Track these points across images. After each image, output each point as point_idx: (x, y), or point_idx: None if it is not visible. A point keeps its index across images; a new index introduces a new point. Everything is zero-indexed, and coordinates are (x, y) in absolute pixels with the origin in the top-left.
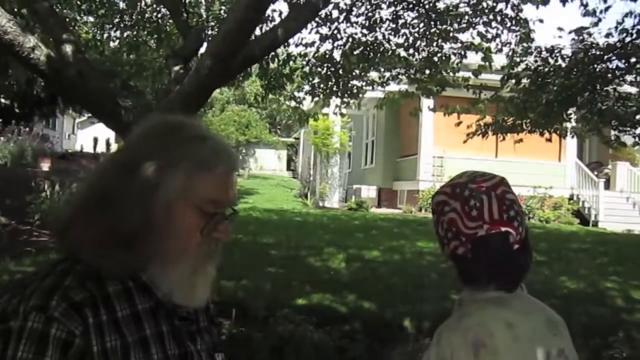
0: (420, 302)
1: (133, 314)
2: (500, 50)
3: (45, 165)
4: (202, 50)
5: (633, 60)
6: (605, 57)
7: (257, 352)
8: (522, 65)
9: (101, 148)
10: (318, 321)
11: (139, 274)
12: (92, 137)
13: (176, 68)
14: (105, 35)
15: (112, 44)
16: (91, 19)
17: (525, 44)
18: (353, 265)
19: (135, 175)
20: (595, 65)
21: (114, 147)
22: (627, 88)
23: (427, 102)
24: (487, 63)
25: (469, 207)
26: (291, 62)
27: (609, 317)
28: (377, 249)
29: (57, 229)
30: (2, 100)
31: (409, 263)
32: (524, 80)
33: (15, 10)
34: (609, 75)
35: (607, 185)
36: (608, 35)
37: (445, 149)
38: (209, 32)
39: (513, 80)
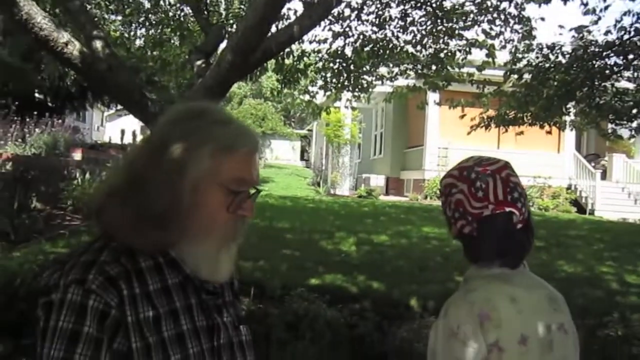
0: (426, 283)
1: (164, 287)
2: (504, 47)
3: (77, 155)
4: (222, 46)
5: (631, 57)
6: (604, 53)
7: (274, 327)
8: (524, 62)
9: (128, 139)
10: (330, 300)
11: (168, 250)
12: (119, 129)
13: (198, 63)
14: (132, 33)
15: (137, 42)
16: (119, 17)
17: (527, 41)
18: (363, 249)
19: (163, 158)
20: (594, 62)
21: (139, 138)
22: (624, 84)
23: (433, 96)
24: (490, 59)
25: (475, 188)
26: (305, 58)
27: (604, 299)
28: (385, 234)
29: (92, 211)
30: (37, 95)
31: (415, 247)
32: (526, 76)
33: (48, 9)
34: (607, 71)
35: (604, 176)
36: (607, 32)
37: (450, 140)
38: (229, 29)
39: (515, 76)
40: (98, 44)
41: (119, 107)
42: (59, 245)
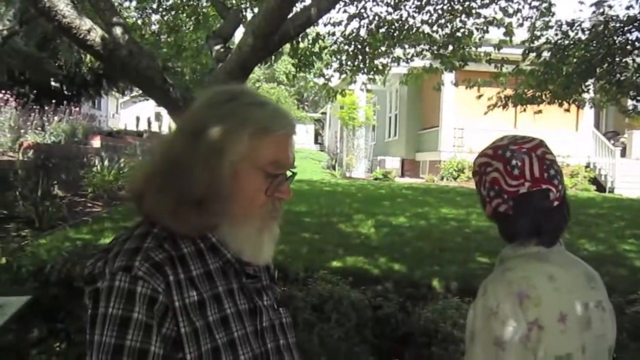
0: (447, 264)
1: (206, 272)
2: (521, 25)
3: (96, 142)
4: (239, 30)
5: None
6: (625, 29)
7: (300, 310)
8: (543, 39)
9: (143, 126)
10: (353, 282)
11: (209, 235)
12: (135, 116)
13: (217, 47)
14: (146, 19)
15: (151, 28)
16: (133, 3)
17: (545, 18)
18: (381, 231)
19: (201, 142)
20: (615, 37)
21: (154, 125)
22: None
23: (449, 77)
24: (508, 38)
25: (511, 166)
26: (320, 41)
27: (628, 277)
28: (404, 216)
29: (133, 197)
30: (52, 83)
31: (434, 228)
32: (545, 54)
33: None
34: (629, 46)
35: (623, 153)
36: (629, 7)
37: (466, 121)
38: (245, 13)
39: (534, 54)
40: (118, 31)
41: (134, 93)
42: (83, 231)
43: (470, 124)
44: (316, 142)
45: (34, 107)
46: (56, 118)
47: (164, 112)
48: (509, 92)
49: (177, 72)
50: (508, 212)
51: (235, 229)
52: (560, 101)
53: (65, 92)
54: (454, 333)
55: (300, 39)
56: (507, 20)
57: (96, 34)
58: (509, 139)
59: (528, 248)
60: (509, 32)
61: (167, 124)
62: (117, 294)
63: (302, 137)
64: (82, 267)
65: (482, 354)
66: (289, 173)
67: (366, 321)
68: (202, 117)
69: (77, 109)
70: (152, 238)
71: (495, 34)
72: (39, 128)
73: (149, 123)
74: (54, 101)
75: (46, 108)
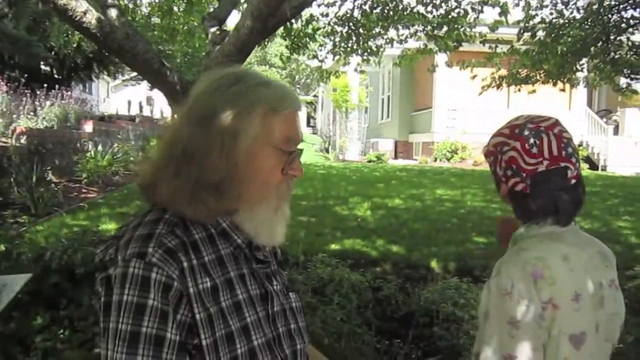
0: (444, 245)
1: (217, 257)
2: (517, 5)
3: (88, 127)
4: (234, 13)
5: None
6: (621, 6)
7: (301, 292)
8: (537, 19)
9: (134, 110)
10: (352, 264)
11: (220, 220)
12: (126, 100)
13: (213, 30)
14: (137, 2)
15: (141, 11)
16: None
17: None
18: (378, 213)
19: (214, 126)
20: (610, 15)
21: (146, 109)
22: (639, 37)
23: (442, 58)
24: (504, 18)
25: (529, 144)
26: (314, 22)
27: (624, 253)
28: (399, 197)
29: (144, 185)
30: (42, 67)
31: (429, 209)
32: (540, 33)
33: None
34: (623, 24)
35: (616, 131)
36: None
37: (459, 101)
38: None
39: (529, 33)
40: (113, 13)
41: (125, 77)
42: (80, 217)
43: (463, 104)
44: (308, 125)
45: (25, 91)
46: (48, 102)
47: (155, 96)
48: (503, 72)
49: (168, 55)
50: (525, 191)
51: (253, 211)
52: (554, 80)
53: (56, 76)
54: (455, 312)
55: (293, 20)
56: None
57: (92, 16)
58: (525, 118)
59: (543, 228)
60: (504, 12)
61: (159, 108)
62: (131, 281)
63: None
64: (82, 254)
65: (496, 333)
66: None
67: (367, 303)
68: (211, 101)
69: (69, 93)
70: (164, 224)
71: (490, 14)
72: (31, 113)
73: (141, 107)
74: (45, 85)
75: (37, 92)
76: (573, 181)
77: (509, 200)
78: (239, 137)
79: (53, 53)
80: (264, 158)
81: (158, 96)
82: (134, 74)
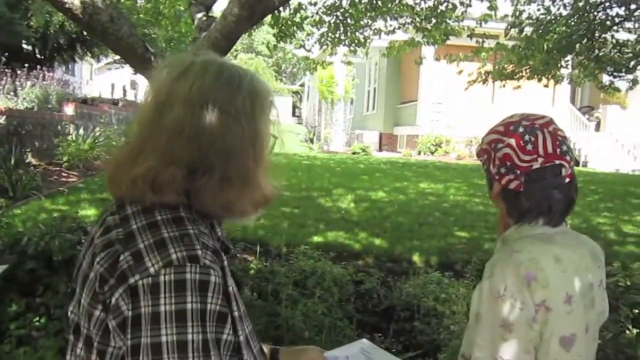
0: (427, 239)
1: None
2: (512, 2)
3: (70, 110)
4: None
5: (633, 7)
6: (606, 4)
7: (282, 285)
8: (525, 14)
9: (118, 94)
10: (334, 257)
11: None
12: (110, 83)
13: (199, 16)
14: None
15: None
16: None
17: None
18: (361, 206)
19: (242, 126)
20: (596, 13)
21: (130, 93)
22: (623, 35)
23: (429, 51)
24: (492, 12)
25: (524, 141)
26: (302, 11)
27: (603, 249)
28: (383, 190)
29: (146, 183)
30: (24, 46)
31: (413, 203)
32: (527, 29)
33: None
34: (608, 22)
35: (598, 128)
36: None
37: (444, 95)
38: None
39: (516, 29)
40: None
41: (109, 60)
42: (59, 202)
43: (448, 98)
44: (294, 114)
45: (5, 70)
46: (29, 83)
47: (140, 80)
48: (489, 67)
49: (153, 39)
50: (519, 188)
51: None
52: (539, 76)
53: (38, 56)
54: (436, 307)
55: (281, 9)
56: None
57: None
58: (520, 116)
59: (534, 229)
60: (493, 7)
61: (143, 93)
62: (191, 287)
63: (280, 109)
64: (61, 240)
65: (488, 335)
66: None
67: (348, 296)
68: (230, 99)
69: (51, 74)
70: (189, 222)
71: (478, 8)
72: (11, 93)
73: (125, 91)
74: (26, 65)
75: (18, 72)
76: (567, 180)
77: (500, 200)
78: (262, 139)
79: (36, 32)
80: (266, 149)
81: (142, 80)
82: (118, 57)
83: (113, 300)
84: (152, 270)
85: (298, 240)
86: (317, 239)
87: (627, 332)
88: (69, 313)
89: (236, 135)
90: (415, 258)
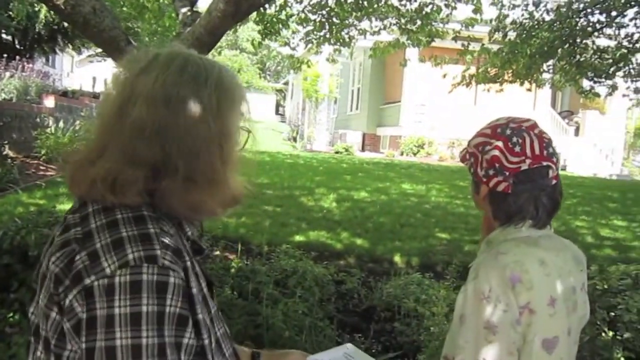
0: (408, 239)
1: (186, 252)
2: (493, 4)
3: (49, 102)
4: None
5: (614, 14)
6: (588, 10)
7: (263, 284)
8: (509, 19)
9: (99, 87)
10: (316, 256)
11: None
12: (91, 76)
13: (184, 10)
14: None
15: None
16: None
17: None
18: (343, 205)
19: (211, 122)
20: (578, 19)
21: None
22: (604, 42)
23: (413, 53)
24: (477, 15)
25: (512, 143)
26: (287, 8)
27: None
28: (365, 190)
29: (102, 180)
30: (4, 36)
31: (395, 203)
32: (511, 33)
33: None
34: (589, 28)
35: (577, 133)
36: None
37: (427, 96)
38: None
39: (500, 33)
40: None
41: (90, 52)
42: (37, 196)
43: (431, 100)
44: (277, 112)
45: None
46: (7, 74)
47: None
48: (473, 70)
49: (136, 33)
50: (507, 190)
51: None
52: (522, 80)
53: (17, 46)
54: (417, 308)
55: (267, 5)
56: None
57: None
58: (507, 119)
59: (519, 231)
60: (477, 9)
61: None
62: (147, 289)
63: (263, 107)
64: (37, 235)
65: (472, 337)
66: None
67: (329, 296)
68: (195, 95)
69: (31, 65)
70: (150, 221)
71: (463, 11)
72: None
73: (106, 85)
74: (4, 55)
75: None
76: (553, 182)
77: (487, 203)
78: (233, 137)
79: (15, 22)
80: (234, 151)
81: None
82: (100, 49)
83: (67, 301)
84: (108, 271)
85: (279, 239)
86: (298, 238)
87: (603, 334)
88: (30, 314)
89: (202, 134)
90: (397, 259)
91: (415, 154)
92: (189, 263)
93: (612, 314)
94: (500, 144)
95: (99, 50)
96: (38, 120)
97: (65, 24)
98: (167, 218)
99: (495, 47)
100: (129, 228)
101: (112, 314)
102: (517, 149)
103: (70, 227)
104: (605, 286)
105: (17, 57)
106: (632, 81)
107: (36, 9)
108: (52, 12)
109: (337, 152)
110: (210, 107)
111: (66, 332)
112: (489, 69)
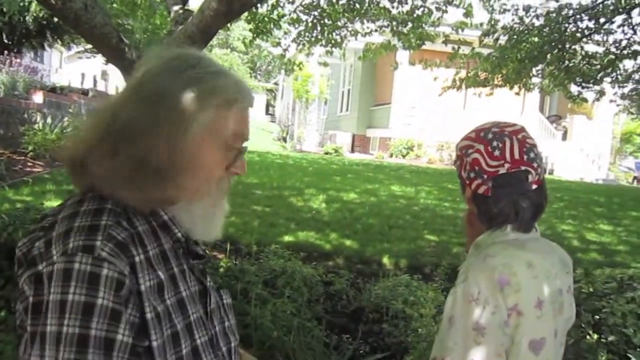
0: (397, 241)
1: (161, 252)
2: (485, 8)
3: (38, 98)
4: None
5: (602, 20)
6: (577, 16)
7: (252, 284)
8: (500, 24)
9: (88, 84)
10: (304, 257)
11: (160, 213)
12: (80, 72)
13: (175, 8)
14: None
15: None
16: None
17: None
18: (332, 206)
19: (164, 109)
20: (567, 25)
21: (100, 83)
22: (592, 47)
23: (403, 55)
24: (468, 19)
25: (492, 147)
26: (279, 8)
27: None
28: (354, 192)
29: (72, 165)
30: None
31: (384, 205)
32: (502, 37)
33: None
34: (578, 34)
35: (564, 137)
36: None
37: (417, 99)
38: None
39: (490, 37)
40: None
41: (80, 48)
42: (23, 192)
43: (421, 102)
44: (267, 112)
45: None
46: None
47: (111, 70)
48: (463, 74)
49: (127, 30)
50: (487, 193)
51: (192, 204)
52: (511, 85)
53: (5, 41)
54: (405, 310)
55: (259, 5)
56: (467, 1)
57: None
58: (492, 123)
59: (507, 235)
60: (468, 13)
61: (114, 84)
62: (77, 278)
63: (253, 107)
64: (24, 232)
65: (461, 339)
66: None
67: (318, 297)
68: (165, 81)
69: (19, 60)
70: (108, 214)
71: (454, 15)
72: None
73: (95, 81)
74: None
75: None
76: (534, 186)
77: (472, 204)
78: (190, 124)
79: (3, 17)
80: (211, 150)
81: (114, 71)
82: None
83: (20, 284)
84: (54, 258)
85: (268, 239)
86: (287, 238)
87: (588, 337)
88: None
89: (152, 121)
90: (385, 260)
91: (404, 156)
92: (137, 258)
93: (597, 317)
94: (481, 147)
95: (89, 46)
96: (26, 116)
97: (55, 19)
98: (140, 215)
99: (485, 51)
100: (83, 219)
101: (44, 300)
102: (497, 153)
103: (47, 217)
104: (591, 289)
105: (5, 52)
106: (619, 87)
107: (26, 2)
108: (41, 7)
109: (326, 153)
110: (174, 98)
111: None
112: (479, 73)
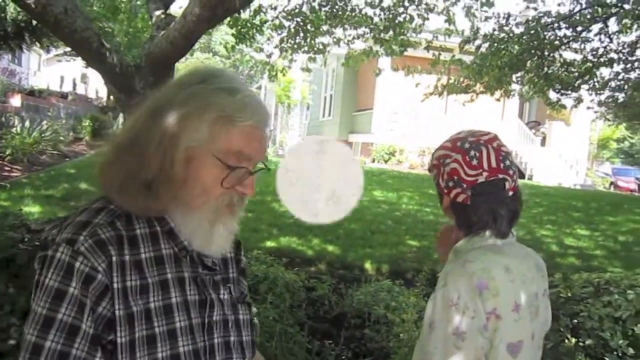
0: (379, 246)
1: (157, 256)
2: (466, 16)
3: (16, 101)
4: None
5: (579, 29)
6: (555, 25)
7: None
8: (482, 32)
9: (67, 87)
10: (287, 262)
11: (167, 219)
12: (59, 75)
13: (157, 13)
14: None
15: None
16: None
17: (486, 8)
18: None
19: (158, 122)
20: (546, 32)
21: (80, 86)
22: (570, 55)
23: (385, 61)
24: (451, 26)
25: (470, 157)
26: (262, 14)
27: (545, 261)
28: None
29: (97, 170)
30: None
31: (366, 210)
32: (484, 45)
33: None
34: (557, 42)
35: (543, 143)
36: (560, 4)
37: (399, 104)
38: None
39: (471, 44)
40: None
41: (59, 51)
42: (1, 197)
43: (403, 108)
44: None
45: None
46: None
47: (91, 73)
48: (445, 80)
49: (108, 32)
50: (466, 202)
51: (186, 217)
52: (492, 91)
53: None
54: (387, 315)
55: (242, 10)
56: (447, 6)
57: None
58: (467, 133)
59: (484, 240)
60: (449, 20)
61: (94, 87)
62: (56, 266)
63: None
64: (1, 238)
65: (441, 343)
66: (258, 166)
67: (300, 302)
68: (167, 96)
69: None
70: (105, 214)
71: (436, 22)
72: None
73: (75, 84)
74: None
75: None
76: (510, 193)
77: (450, 212)
78: (180, 139)
79: None
80: (203, 166)
81: (94, 74)
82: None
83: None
84: (54, 246)
85: (251, 244)
86: (270, 243)
87: (566, 341)
88: None
89: (148, 134)
90: (367, 265)
91: (386, 162)
92: (116, 258)
93: (575, 321)
94: (459, 157)
95: (68, 49)
96: (3, 119)
97: (33, 21)
98: (144, 219)
99: (466, 58)
100: (84, 216)
101: (38, 281)
102: (475, 162)
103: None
104: (569, 294)
105: None
106: (596, 94)
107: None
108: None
109: None
110: (169, 111)
111: None
112: (461, 80)
